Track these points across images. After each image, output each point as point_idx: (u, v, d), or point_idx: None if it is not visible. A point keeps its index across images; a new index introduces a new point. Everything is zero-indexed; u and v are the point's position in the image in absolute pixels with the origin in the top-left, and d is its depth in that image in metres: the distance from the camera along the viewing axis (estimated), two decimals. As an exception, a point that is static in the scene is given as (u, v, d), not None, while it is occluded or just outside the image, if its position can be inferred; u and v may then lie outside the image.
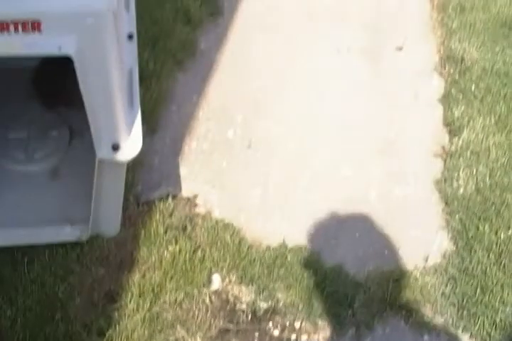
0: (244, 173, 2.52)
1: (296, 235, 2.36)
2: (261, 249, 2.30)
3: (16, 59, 2.29)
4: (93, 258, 2.19)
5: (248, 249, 2.29)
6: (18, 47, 1.80)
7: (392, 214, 2.43)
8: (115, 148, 1.90)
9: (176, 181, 2.45)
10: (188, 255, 2.24)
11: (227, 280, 2.23)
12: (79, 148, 2.42)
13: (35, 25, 1.78)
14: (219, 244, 2.29)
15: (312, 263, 2.27)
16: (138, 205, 2.34)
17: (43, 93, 2.50)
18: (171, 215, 2.34)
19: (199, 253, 2.25)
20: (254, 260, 2.27)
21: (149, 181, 2.42)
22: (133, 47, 2.20)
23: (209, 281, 2.22)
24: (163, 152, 2.53)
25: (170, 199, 2.37)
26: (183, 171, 2.49)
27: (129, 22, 2.24)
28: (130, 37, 2.20)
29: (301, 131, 2.68)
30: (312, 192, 2.49)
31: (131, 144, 1.93)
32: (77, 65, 1.82)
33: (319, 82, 2.85)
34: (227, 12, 3.05)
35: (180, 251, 2.25)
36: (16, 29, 1.78)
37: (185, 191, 2.44)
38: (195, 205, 2.42)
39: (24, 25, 1.77)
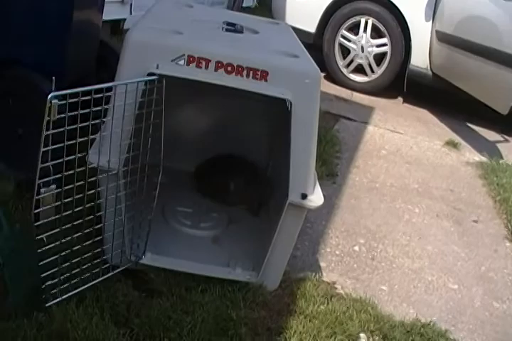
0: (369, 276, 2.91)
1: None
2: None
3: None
4: (255, 302, 2.41)
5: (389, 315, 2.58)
6: (248, 87, 2.33)
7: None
8: (304, 197, 2.41)
9: (316, 269, 2.79)
10: (339, 313, 2.43)
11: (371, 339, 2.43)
12: (235, 228, 2.79)
13: (264, 75, 2.35)
14: (362, 311, 2.51)
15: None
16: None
17: (203, 188, 2.95)
18: (316, 287, 2.58)
19: (348, 313, 2.46)
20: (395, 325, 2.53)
21: (294, 266, 2.74)
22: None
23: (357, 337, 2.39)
24: (303, 249, 2.94)
25: (314, 280, 2.64)
26: (322, 264, 2.85)
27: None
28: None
29: (412, 255, 3.15)
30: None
31: (315, 197, 2.44)
32: (292, 113, 2.33)
33: (420, 229, 3.40)
34: (342, 175, 3.77)
35: (333, 309, 2.46)
36: (248, 75, 2.34)
37: (325, 278, 2.73)
38: (335, 288, 2.67)
39: (255, 72, 2.34)
